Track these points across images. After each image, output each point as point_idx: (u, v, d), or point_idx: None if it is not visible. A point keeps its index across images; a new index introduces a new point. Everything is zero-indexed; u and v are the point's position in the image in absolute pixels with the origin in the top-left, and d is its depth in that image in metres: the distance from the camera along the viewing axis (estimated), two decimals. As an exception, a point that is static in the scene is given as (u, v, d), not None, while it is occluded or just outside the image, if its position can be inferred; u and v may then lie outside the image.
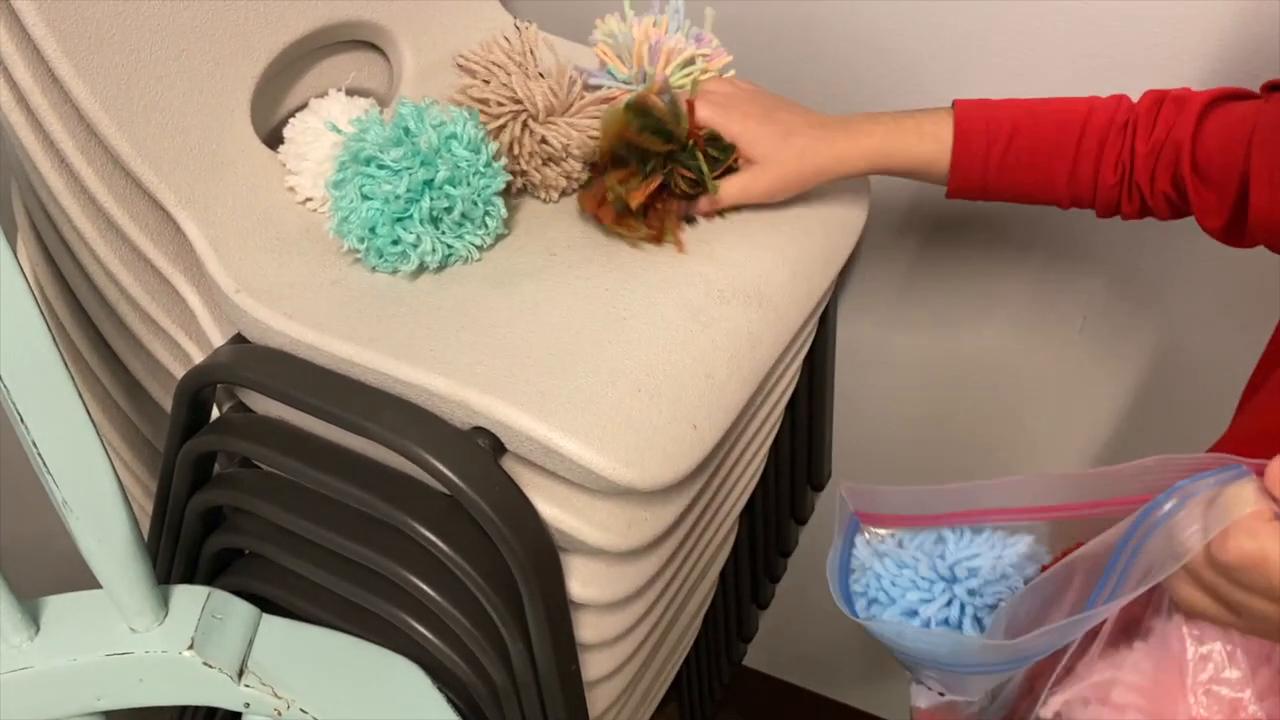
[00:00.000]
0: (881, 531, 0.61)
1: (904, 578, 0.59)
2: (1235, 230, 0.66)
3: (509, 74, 0.72)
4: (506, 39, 0.75)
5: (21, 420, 0.51)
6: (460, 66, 0.75)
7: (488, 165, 0.67)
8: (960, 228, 0.97)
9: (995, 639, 0.52)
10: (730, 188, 0.72)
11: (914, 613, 0.58)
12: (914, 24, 0.87)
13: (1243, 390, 0.67)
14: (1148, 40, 0.80)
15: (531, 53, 0.74)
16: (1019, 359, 1.03)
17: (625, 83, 0.78)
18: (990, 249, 0.97)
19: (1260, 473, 0.41)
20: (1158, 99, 0.68)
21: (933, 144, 0.71)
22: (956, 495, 0.58)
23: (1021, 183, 0.71)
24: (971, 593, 0.58)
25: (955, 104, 0.72)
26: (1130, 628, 0.50)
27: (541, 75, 0.72)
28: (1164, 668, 0.48)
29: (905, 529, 0.61)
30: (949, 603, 0.58)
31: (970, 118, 0.71)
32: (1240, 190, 0.64)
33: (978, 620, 0.58)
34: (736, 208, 0.74)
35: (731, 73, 0.79)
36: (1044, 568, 0.56)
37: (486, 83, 0.73)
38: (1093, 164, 0.69)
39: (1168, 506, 0.43)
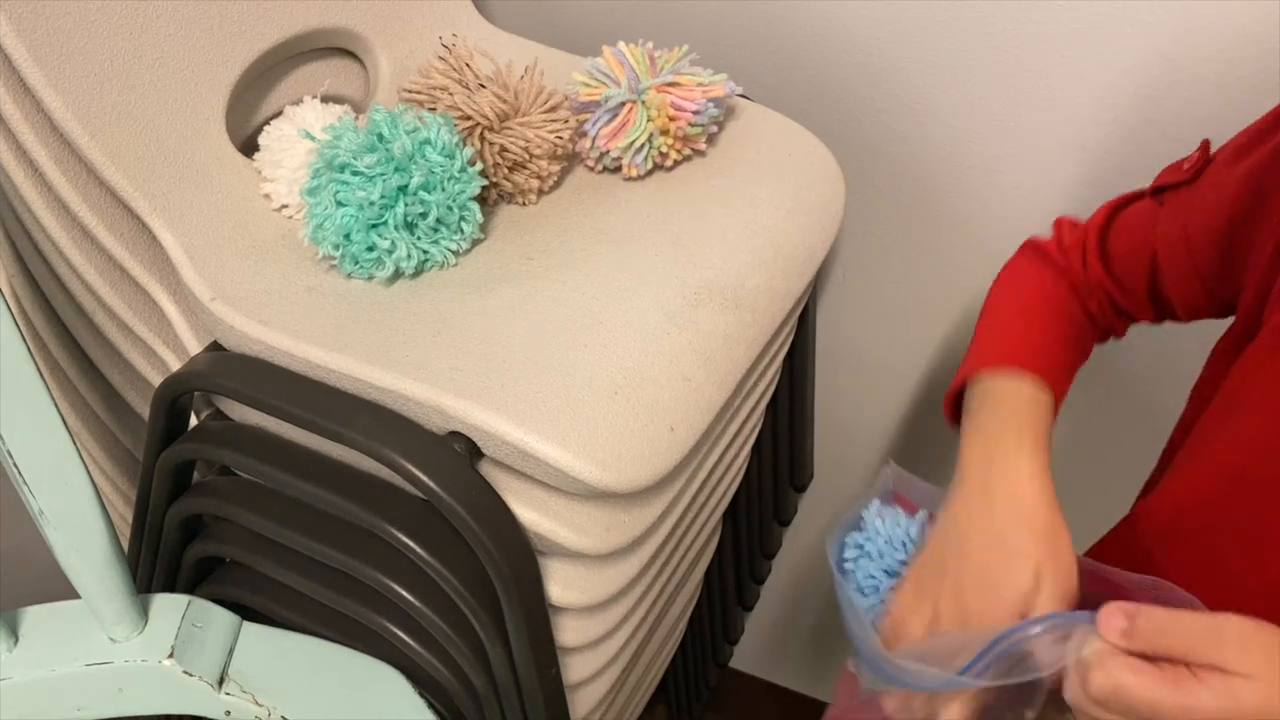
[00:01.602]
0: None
1: (896, 537, 0.63)
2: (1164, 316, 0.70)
3: (452, 94, 0.72)
4: (441, 59, 0.75)
5: (-4, 430, 0.51)
6: (405, 99, 0.75)
7: (462, 170, 0.67)
8: (938, 228, 0.98)
9: (899, 653, 0.57)
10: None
11: (893, 573, 0.62)
12: (893, 27, 0.88)
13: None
14: (1124, 39, 0.81)
15: (468, 66, 0.74)
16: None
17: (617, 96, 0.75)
18: (968, 249, 0.98)
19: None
20: (1064, 248, 0.71)
21: (1046, 408, 0.65)
22: None
23: (1078, 358, 0.72)
24: None
25: (1027, 368, 0.66)
26: None
27: (483, 85, 0.72)
28: None
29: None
30: None
31: (1042, 370, 0.66)
32: (1153, 289, 0.67)
33: None
34: (714, 212, 0.75)
35: (724, 84, 0.78)
36: None
37: (433, 109, 0.73)
38: (1094, 318, 0.72)
39: (1036, 630, 0.50)
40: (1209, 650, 0.44)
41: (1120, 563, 0.63)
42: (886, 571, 0.62)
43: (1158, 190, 0.67)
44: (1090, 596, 0.55)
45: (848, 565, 0.64)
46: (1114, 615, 0.47)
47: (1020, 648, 0.51)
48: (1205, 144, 0.64)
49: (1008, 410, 0.63)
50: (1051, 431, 0.64)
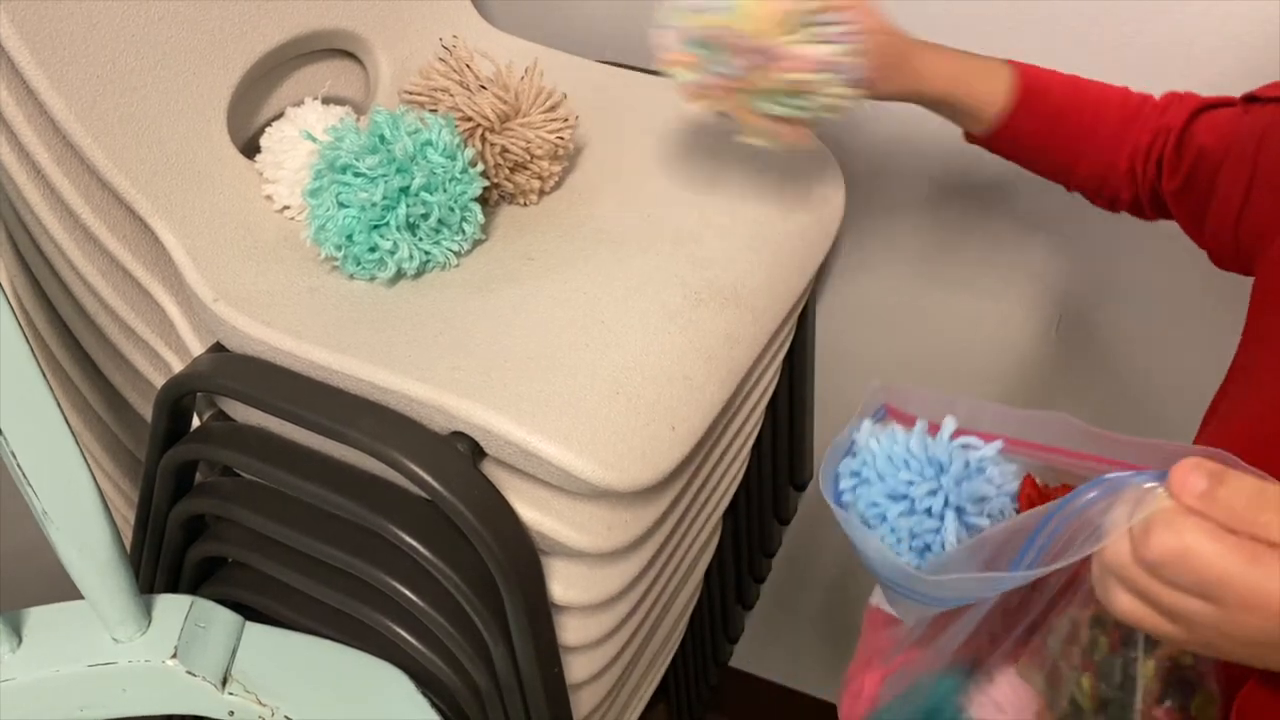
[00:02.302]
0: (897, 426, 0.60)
1: (897, 454, 0.57)
2: (1195, 224, 0.68)
3: (453, 95, 0.72)
4: (441, 60, 0.75)
5: (0, 432, 0.51)
6: (406, 101, 0.75)
7: (464, 171, 0.67)
8: (936, 228, 0.98)
9: (928, 571, 0.53)
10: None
11: (901, 496, 0.57)
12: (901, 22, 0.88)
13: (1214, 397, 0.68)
14: (1123, 39, 0.81)
15: (468, 67, 0.74)
16: (995, 358, 1.04)
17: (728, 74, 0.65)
18: (967, 250, 0.98)
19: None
20: (1167, 96, 0.71)
21: (999, 88, 0.71)
22: (985, 412, 0.57)
23: (1048, 153, 0.73)
24: (957, 483, 0.56)
25: (1011, 63, 0.72)
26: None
27: (484, 86, 0.73)
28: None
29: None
30: (934, 492, 0.56)
31: (1030, 78, 0.71)
32: (1207, 190, 0.65)
33: (964, 522, 0.56)
34: (714, 212, 0.75)
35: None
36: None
37: (434, 110, 0.73)
38: (1112, 152, 0.71)
39: (1091, 494, 0.44)
40: None
41: None
42: (891, 496, 0.56)
43: (1249, 100, 0.65)
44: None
45: (845, 498, 0.58)
46: (1193, 474, 0.40)
47: (1073, 520, 0.45)
48: None
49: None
50: (964, 107, 0.71)
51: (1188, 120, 0.68)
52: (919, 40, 0.72)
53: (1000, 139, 0.73)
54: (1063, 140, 0.72)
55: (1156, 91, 0.72)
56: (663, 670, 1.03)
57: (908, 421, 0.59)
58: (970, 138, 0.75)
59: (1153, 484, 0.42)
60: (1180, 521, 0.40)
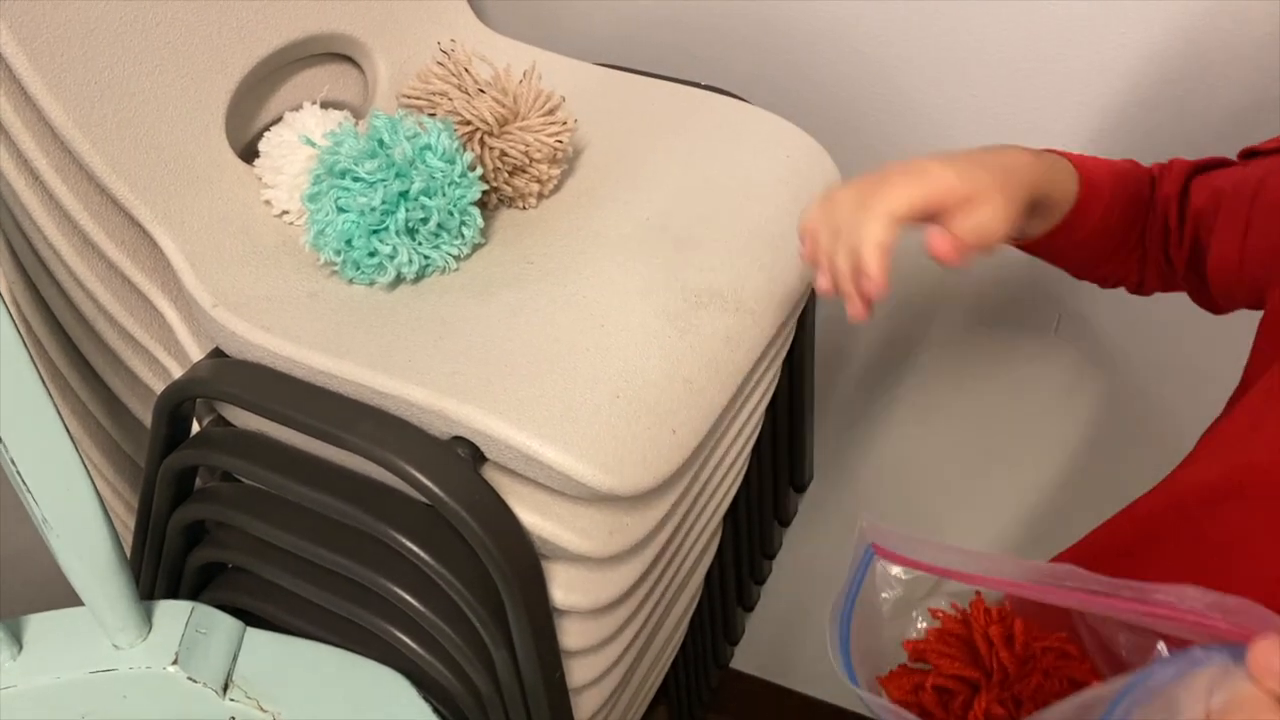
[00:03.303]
0: (895, 569, 0.59)
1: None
2: (1199, 289, 0.68)
3: (451, 99, 0.72)
4: (439, 63, 0.75)
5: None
6: (404, 105, 0.75)
7: (463, 175, 0.67)
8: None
9: None
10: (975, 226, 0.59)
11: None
12: (890, 29, 0.88)
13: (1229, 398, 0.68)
14: (1121, 38, 0.81)
15: (467, 71, 0.74)
16: (995, 358, 1.04)
17: None
18: (966, 249, 0.98)
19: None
20: (1158, 167, 0.69)
21: (1070, 185, 0.66)
22: (978, 560, 0.56)
23: (1088, 248, 0.70)
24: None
25: (1062, 154, 0.68)
26: None
27: (482, 90, 0.73)
28: None
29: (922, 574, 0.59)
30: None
31: (1090, 170, 0.67)
32: (1207, 243, 0.64)
33: None
34: (713, 215, 0.75)
35: None
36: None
37: (433, 114, 0.73)
38: (1140, 228, 0.69)
39: (1168, 671, 0.43)
40: None
41: (1101, 554, 0.63)
42: None
43: (1248, 155, 0.65)
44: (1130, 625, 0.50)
45: (867, 697, 0.56)
46: (1272, 654, 0.39)
47: (1148, 697, 0.43)
48: None
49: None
50: (1046, 182, 0.64)
51: (1183, 186, 0.67)
52: (987, 153, 0.63)
53: (1057, 237, 0.68)
54: (1109, 234, 0.69)
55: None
56: (664, 673, 1.03)
57: (898, 562, 0.59)
58: (1018, 244, 0.71)
59: (1231, 661, 0.40)
60: (1262, 708, 0.38)
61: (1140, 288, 0.73)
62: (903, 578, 0.60)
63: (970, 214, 0.58)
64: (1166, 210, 0.68)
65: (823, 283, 0.61)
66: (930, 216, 0.59)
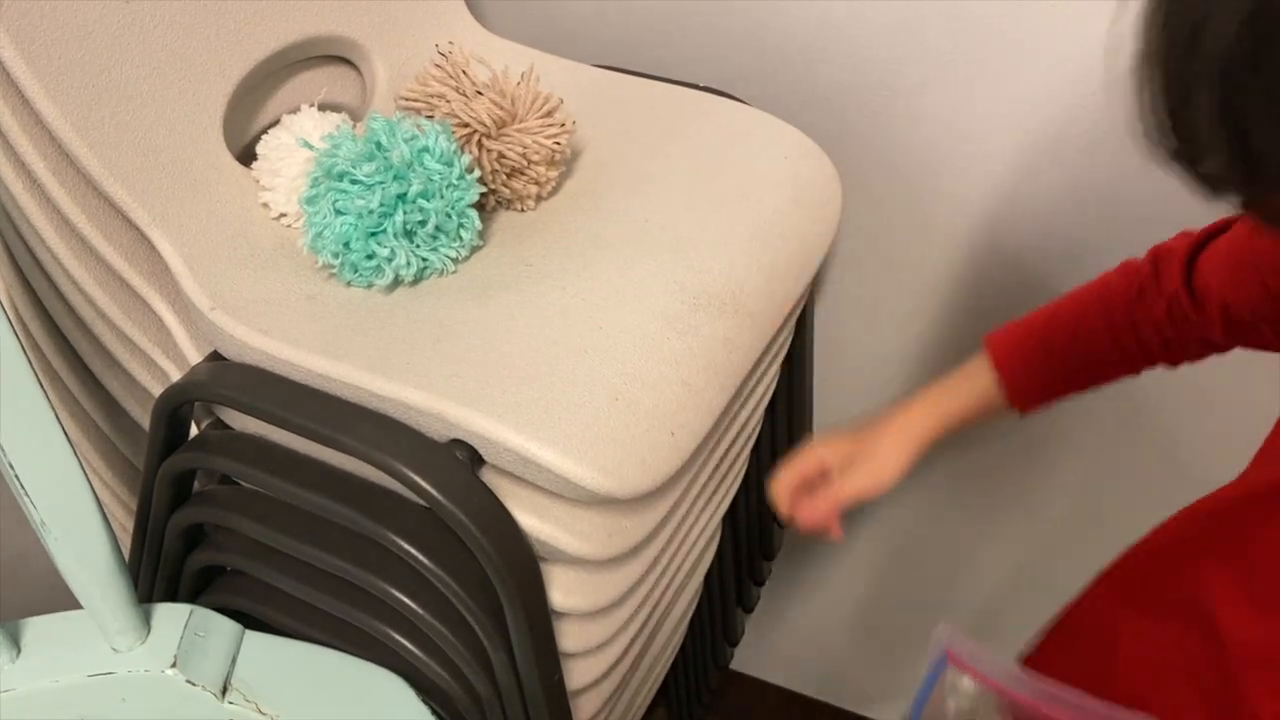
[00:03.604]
0: (965, 681, 0.62)
1: None
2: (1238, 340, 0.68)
3: (449, 101, 0.72)
4: (437, 65, 0.75)
5: (-3, 442, 0.51)
6: (402, 107, 0.75)
7: (461, 178, 0.67)
8: (934, 230, 0.98)
9: None
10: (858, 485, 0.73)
11: None
12: (889, 31, 0.88)
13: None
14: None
15: (465, 73, 0.74)
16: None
17: None
18: (967, 250, 0.98)
19: None
20: (1153, 257, 0.70)
21: (983, 384, 0.73)
22: (1045, 691, 0.59)
23: (1080, 376, 0.73)
24: None
25: (985, 341, 0.74)
26: None
27: (480, 92, 0.72)
28: None
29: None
30: None
31: (1001, 348, 0.73)
32: (1224, 301, 0.65)
33: None
34: (711, 216, 0.75)
35: None
36: None
37: (431, 116, 0.73)
38: (1133, 337, 0.70)
39: None
40: None
41: (1151, 562, 0.63)
42: None
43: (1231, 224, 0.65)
44: None
45: None
46: None
47: None
48: None
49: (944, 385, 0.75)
50: (972, 412, 0.74)
51: (1186, 275, 0.67)
52: (888, 420, 0.74)
53: (1029, 403, 0.73)
54: (1077, 369, 0.72)
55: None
56: (663, 674, 1.03)
57: (970, 674, 0.61)
58: (1024, 412, 0.75)
59: None
60: None
61: (1198, 355, 0.72)
62: (971, 691, 0.62)
63: (849, 480, 0.73)
64: (1179, 303, 0.67)
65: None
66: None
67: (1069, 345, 0.71)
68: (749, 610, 1.24)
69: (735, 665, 1.53)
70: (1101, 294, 0.71)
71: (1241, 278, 0.63)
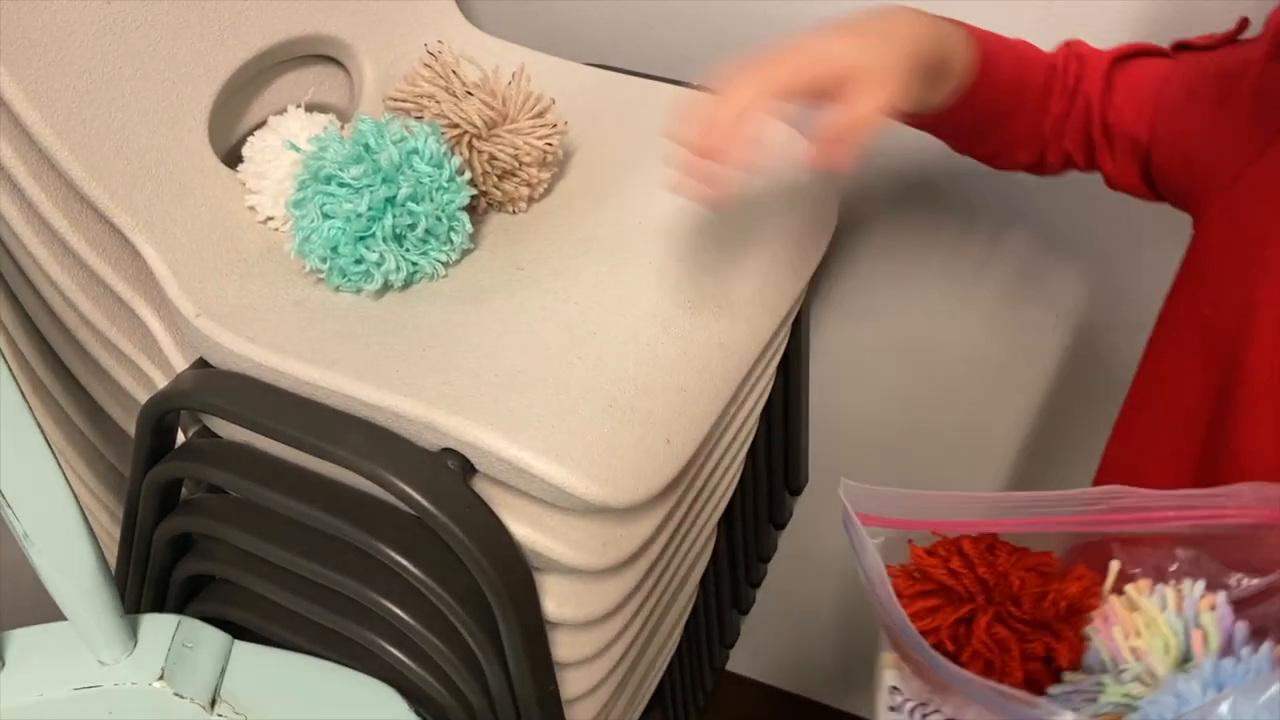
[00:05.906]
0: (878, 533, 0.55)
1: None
2: (1143, 188, 0.66)
3: (439, 102, 0.71)
4: (426, 65, 0.74)
5: (-24, 454, 0.50)
6: (391, 108, 0.74)
7: (451, 180, 0.66)
8: (930, 229, 0.97)
9: None
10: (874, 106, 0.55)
11: None
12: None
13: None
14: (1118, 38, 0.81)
15: (455, 73, 0.73)
16: (992, 359, 1.03)
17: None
18: (960, 250, 0.98)
19: None
20: (1068, 54, 0.67)
21: (967, 52, 0.63)
22: (959, 504, 0.54)
23: (989, 130, 0.69)
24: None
25: (964, 25, 0.66)
26: None
27: (470, 92, 0.71)
28: None
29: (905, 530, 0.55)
30: None
31: (985, 37, 0.66)
32: (1147, 150, 0.64)
33: None
34: (706, 218, 0.74)
35: None
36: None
37: (420, 117, 0.72)
38: (1041, 115, 0.68)
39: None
40: None
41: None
42: None
43: (1179, 47, 0.64)
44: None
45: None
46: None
47: None
48: (1242, 21, 0.61)
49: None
50: (944, 50, 0.61)
51: (1104, 90, 0.64)
52: (881, 18, 0.60)
53: (954, 112, 0.65)
54: (1004, 117, 0.68)
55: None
56: (658, 679, 1.03)
57: (880, 524, 0.55)
58: (913, 119, 0.68)
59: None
60: None
61: (1038, 169, 0.70)
62: (881, 539, 0.55)
63: (864, 94, 0.54)
64: (1088, 114, 0.65)
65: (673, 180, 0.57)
66: (819, 96, 0.55)
67: (1014, 66, 0.67)
68: (745, 612, 1.24)
69: (730, 667, 1.52)
70: (1046, 60, 0.68)
71: (1168, 117, 0.62)
